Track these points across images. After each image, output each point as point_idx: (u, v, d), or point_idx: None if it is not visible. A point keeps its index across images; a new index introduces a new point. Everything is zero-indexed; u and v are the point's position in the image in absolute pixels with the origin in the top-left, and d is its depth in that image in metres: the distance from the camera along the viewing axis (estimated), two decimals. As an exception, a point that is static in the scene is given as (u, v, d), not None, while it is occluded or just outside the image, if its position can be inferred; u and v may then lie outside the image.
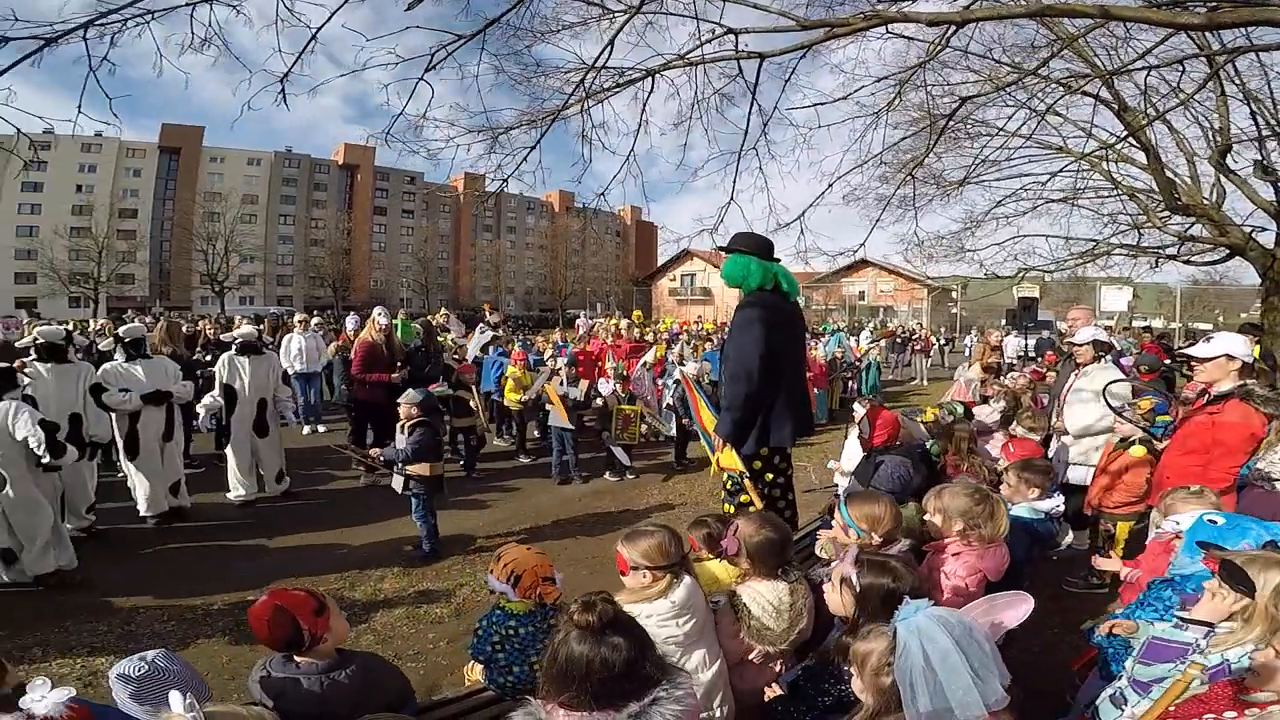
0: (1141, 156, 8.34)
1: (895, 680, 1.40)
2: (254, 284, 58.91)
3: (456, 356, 7.19)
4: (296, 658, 2.08)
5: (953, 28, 4.68)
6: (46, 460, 4.13)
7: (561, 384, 7.33)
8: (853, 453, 4.30)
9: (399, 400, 5.11)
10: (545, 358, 8.15)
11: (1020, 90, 6.73)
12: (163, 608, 4.17)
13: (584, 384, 7.48)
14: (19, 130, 3.02)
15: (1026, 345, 12.56)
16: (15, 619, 3.96)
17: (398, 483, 4.99)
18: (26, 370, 4.88)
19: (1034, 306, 12.69)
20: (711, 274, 50.84)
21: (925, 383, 17.24)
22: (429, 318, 8.68)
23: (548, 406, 7.27)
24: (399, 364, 7.09)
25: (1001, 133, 7.84)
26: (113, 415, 5.36)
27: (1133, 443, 3.95)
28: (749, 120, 5.46)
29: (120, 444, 5.47)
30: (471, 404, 7.41)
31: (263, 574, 4.67)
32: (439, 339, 9.28)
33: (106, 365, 5.38)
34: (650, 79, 5.25)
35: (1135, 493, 3.98)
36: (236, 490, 6.18)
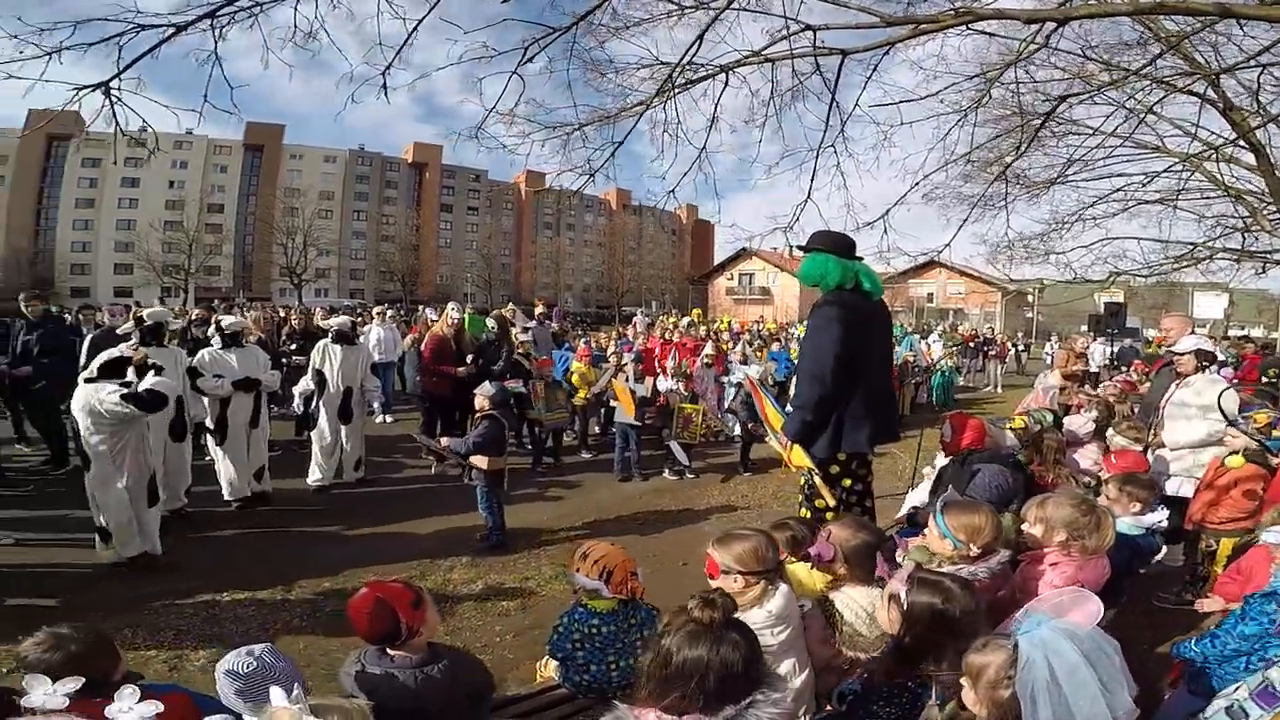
0: (1250, 157, 7.73)
1: (1014, 694, 1.35)
2: (329, 277, 61.73)
3: (522, 351, 7.31)
4: (390, 651, 2.08)
5: (1047, 26, 4.46)
6: (129, 410, 4.22)
7: (628, 379, 7.36)
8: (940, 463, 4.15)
9: (474, 392, 5.22)
10: (608, 354, 8.20)
11: (1113, 89, 6.35)
12: (244, 593, 4.31)
13: (649, 380, 7.49)
14: (145, 123, 3.22)
15: (1112, 353, 11.85)
16: (110, 599, 4.15)
17: (469, 471, 5.11)
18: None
19: (1121, 312, 11.96)
20: (771, 273, 50.04)
21: (999, 390, 16.49)
22: (502, 312, 8.86)
23: (612, 403, 7.31)
24: (470, 358, 7.26)
25: (1098, 133, 7.40)
26: (205, 400, 5.68)
27: (1237, 454, 3.68)
28: (828, 117, 5.36)
29: (210, 428, 5.77)
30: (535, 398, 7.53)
31: (339, 561, 4.83)
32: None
33: (203, 351, 5.71)
34: (724, 75, 5.22)
35: (1243, 509, 3.71)
36: (315, 475, 6.45)
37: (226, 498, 5.80)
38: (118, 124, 3.16)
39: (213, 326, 6.05)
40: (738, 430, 7.97)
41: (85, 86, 3.06)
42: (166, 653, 3.57)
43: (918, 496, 4.48)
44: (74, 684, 1.43)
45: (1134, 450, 4.10)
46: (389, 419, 9.43)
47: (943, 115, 5.97)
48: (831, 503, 3.29)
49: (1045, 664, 1.32)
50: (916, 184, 6.03)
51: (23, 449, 7.37)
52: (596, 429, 8.97)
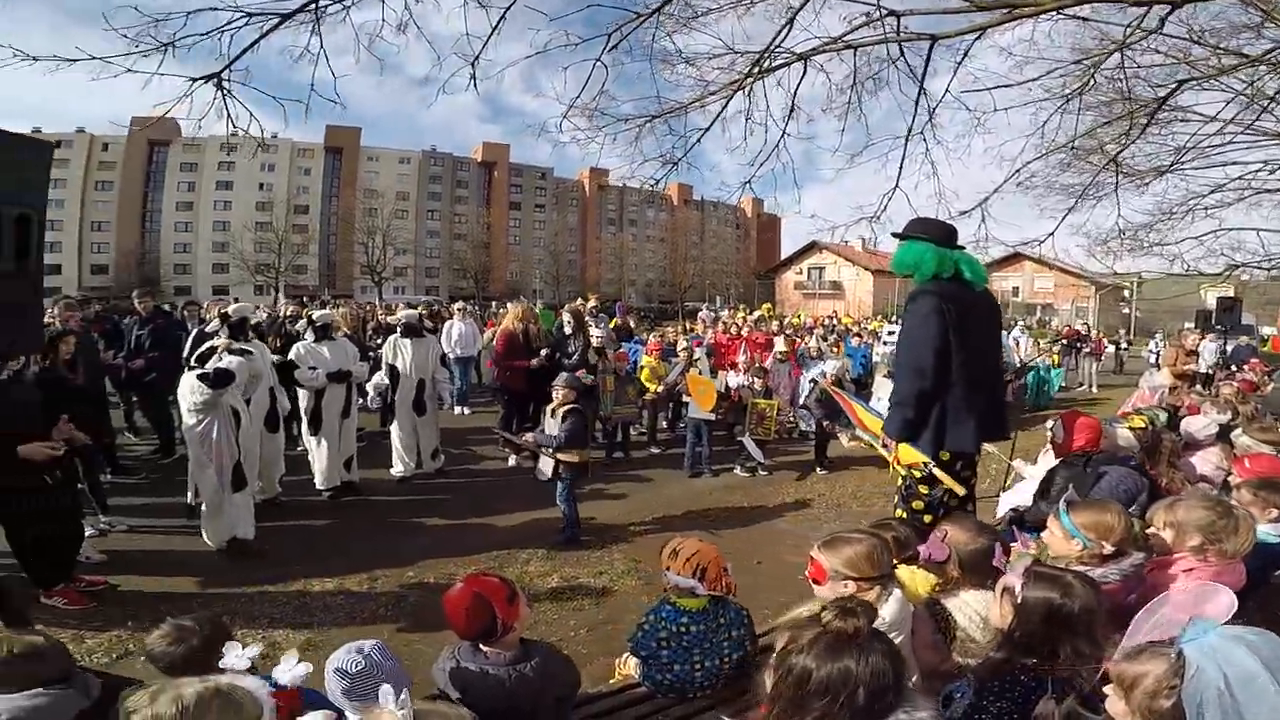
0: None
1: (1176, 705, 1.25)
2: (406, 275, 64.16)
3: (597, 346, 7.36)
4: (484, 647, 2.06)
5: (1156, 9, 4.13)
6: (203, 390, 4.47)
7: (700, 374, 7.30)
8: (1043, 465, 3.90)
9: (553, 384, 5.27)
10: (679, 349, 8.15)
11: (1228, 75, 5.82)
12: (333, 581, 4.47)
13: (720, 375, 7.40)
14: (251, 114, 3.38)
15: (1225, 351, 10.87)
16: (209, 586, 4.39)
17: (547, 466, 5.12)
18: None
19: (1236, 308, 10.94)
20: (843, 267, 48.66)
21: (1094, 389, 15.44)
22: (578, 306, 8.98)
23: (685, 398, 7.27)
24: (542, 352, 7.37)
25: (1215, 120, 6.79)
26: (299, 391, 5.98)
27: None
28: (916, 103, 5.16)
29: (305, 419, 6.08)
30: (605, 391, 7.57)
31: (420, 552, 4.97)
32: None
33: (298, 345, 6.01)
34: (802, 63, 5.09)
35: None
36: (397, 466, 6.68)
37: (318, 486, 6.07)
38: (229, 115, 3.34)
39: (304, 321, 6.34)
40: (812, 427, 7.77)
41: (199, 78, 3.24)
42: (261, 640, 3.65)
43: (1015, 499, 4.24)
44: (255, 650, 1.63)
45: (1268, 453, 3.73)
46: (466, 411, 9.70)
47: (1041, 101, 5.67)
48: (960, 491, 3.15)
49: (1219, 673, 1.22)
50: (1017, 170, 5.74)
51: (131, 438, 7.86)
52: (664, 424, 8.97)
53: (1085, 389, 15.64)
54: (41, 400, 4.16)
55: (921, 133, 5.25)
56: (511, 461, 7.25)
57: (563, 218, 75.42)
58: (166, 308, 8.90)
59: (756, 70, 4.77)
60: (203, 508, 4.75)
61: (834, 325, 14.86)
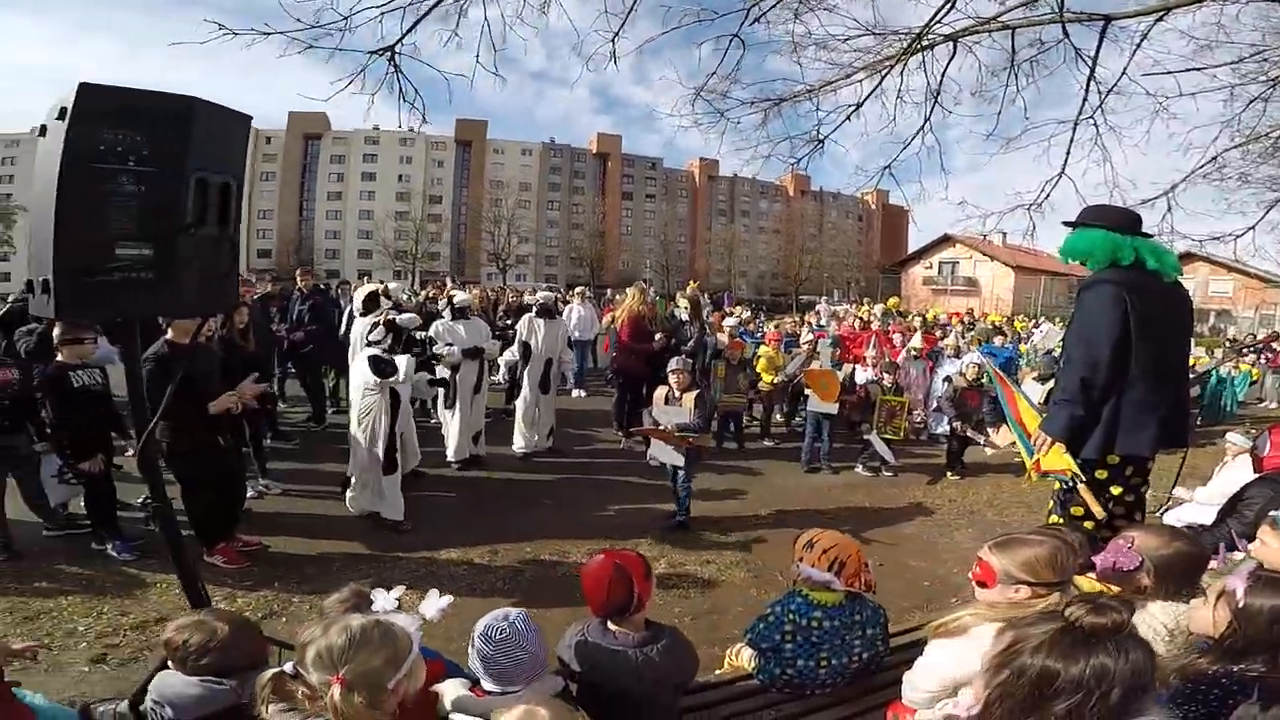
0: None
1: None
2: (528, 263, 67.19)
3: (712, 334, 7.30)
4: (612, 625, 2.06)
5: None
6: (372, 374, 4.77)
7: (823, 367, 7.01)
8: (1226, 481, 3.41)
9: (668, 368, 5.25)
10: (801, 340, 7.88)
11: None
12: (458, 551, 4.66)
13: (847, 368, 7.06)
14: (417, 93, 3.57)
15: None
16: (347, 549, 4.66)
17: (662, 452, 5.09)
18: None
19: None
20: (979, 262, 45.15)
21: (1276, 404, 13.36)
22: (695, 292, 8.95)
23: (807, 390, 7.01)
24: (657, 336, 7.37)
25: None
26: (435, 367, 6.33)
27: None
28: (1086, 87, 4.69)
29: (440, 393, 6.42)
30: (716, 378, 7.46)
31: (536, 529, 5.10)
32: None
33: (437, 322, 6.39)
34: (951, 44, 4.72)
35: None
36: (518, 443, 6.95)
37: (449, 459, 6.42)
38: (401, 89, 3.56)
39: (444, 301, 6.74)
40: (944, 428, 7.25)
41: (374, 51, 3.47)
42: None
43: (1189, 514, 3.76)
44: (399, 590, 1.74)
45: None
46: (582, 393, 9.95)
47: (1236, 85, 4.94)
48: (1099, 513, 2.82)
49: None
50: (1213, 159, 5.04)
51: (282, 406, 8.39)
52: (779, 417, 8.73)
53: (1267, 404, 13.51)
54: (223, 366, 4.69)
55: (1091, 117, 4.79)
56: (623, 444, 7.33)
57: (672, 208, 75.85)
58: (323, 286, 9.71)
59: (906, 52, 4.47)
60: (353, 479, 5.10)
61: (972, 323, 13.71)
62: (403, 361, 4.88)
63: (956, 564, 4.65)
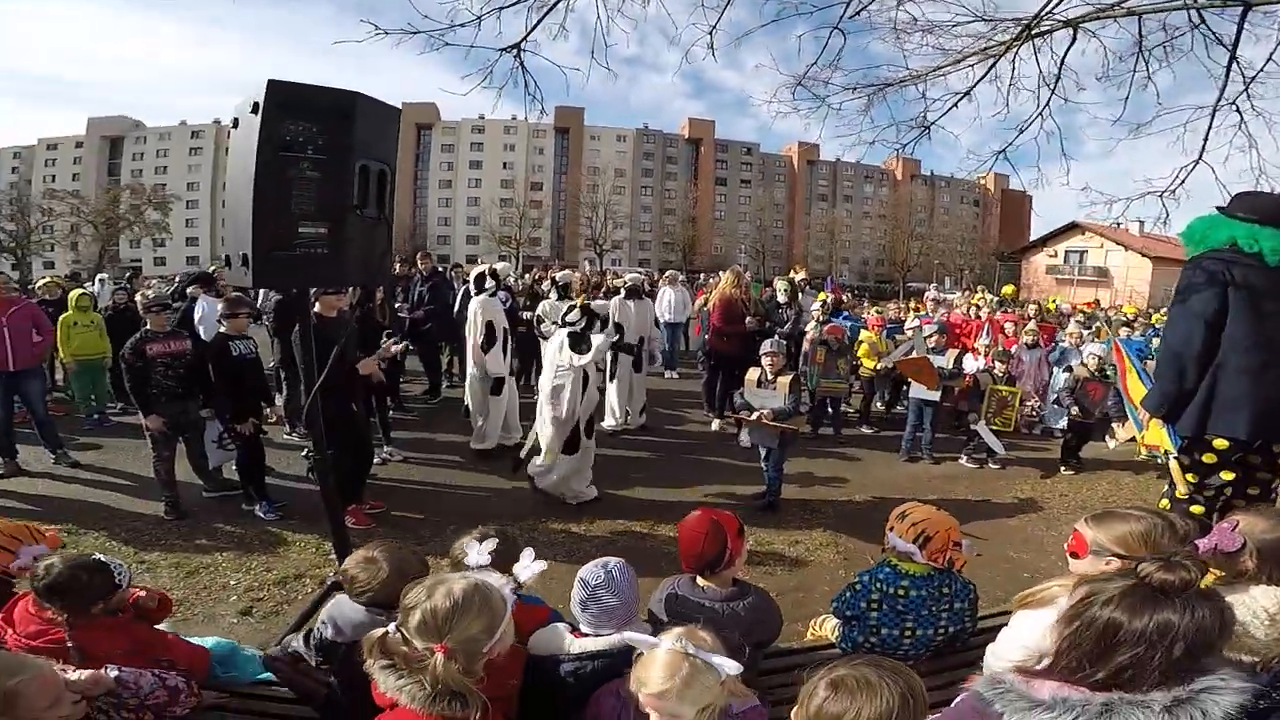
0: None
1: None
2: (623, 248, 68.24)
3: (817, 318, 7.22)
4: (701, 581, 2.18)
5: None
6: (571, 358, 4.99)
7: (927, 352, 6.76)
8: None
9: (761, 351, 5.27)
10: (906, 326, 7.63)
11: None
12: (560, 523, 4.90)
13: (952, 354, 6.77)
14: (536, 85, 3.83)
15: None
16: (456, 515, 4.90)
17: (754, 434, 5.14)
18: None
19: None
20: (1110, 251, 41.21)
21: None
22: (791, 275, 8.88)
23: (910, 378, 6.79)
24: (748, 320, 7.36)
25: None
26: (542, 343, 6.65)
27: None
28: (1227, 72, 4.35)
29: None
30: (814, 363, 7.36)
31: (631, 503, 5.31)
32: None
33: (543, 301, 6.73)
34: (1070, 30, 4.44)
35: None
36: (609, 420, 7.18)
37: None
38: (526, 83, 3.82)
39: (548, 282, 7.10)
40: (1063, 423, 6.81)
41: (503, 49, 3.75)
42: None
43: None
44: (492, 544, 1.85)
45: None
46: (674, 375, 10.11)
47: None
48: (1182, 491, 2.90)
49: None
50: None
51: (402, 380, 8.85)
52: (880, 405, 8.51)
53: None
54: (359, 336, 5.20)
55: (1234, 103, 4.42)
56: (715, 426, 7.42)
57: (769, 193, 74.46)
58: (440, 269, 10.35)
59: (1019, 38, 4.27)
60: (535, 460, 5.27)
61: (1099, 315, 12.60)
62: (597, 339, 5.08)
63: (1061, 557, 4.42)
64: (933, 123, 4.73)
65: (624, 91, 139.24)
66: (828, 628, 2.87)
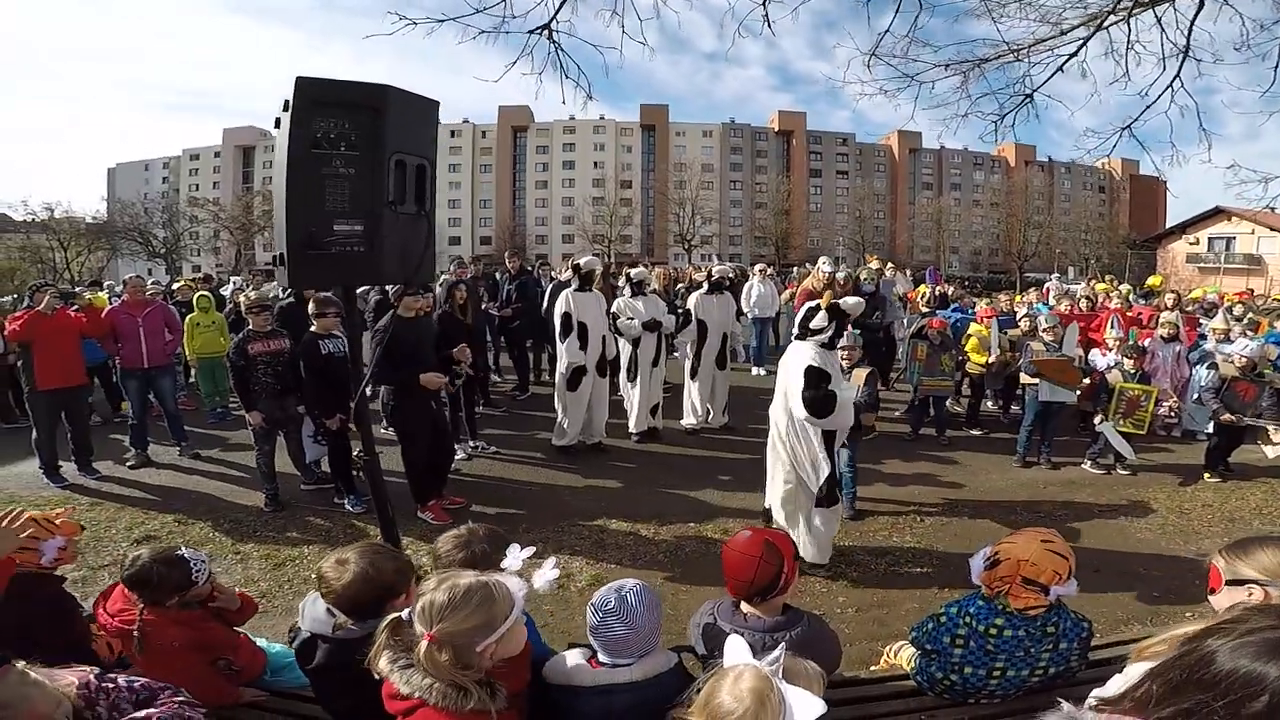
0: None
1: None
2: (713, 243, 67.64)
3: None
4: (745, 608, 1.97)
5: None
6: None
7: (1045, 347, 6.07)
8: None
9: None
10: (1018, 318, 6.91)
11: None
12: (627, 524, 4.79)
13: (1075, 349, 6.04)
14: (579, 68, 3.74)
15: None
16: (535, 511, 4.99)
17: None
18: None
19: None
20: (1262, 238, 36.21)
21: None
22: (881, 267, 8.35)
23: (1026, 379, 6.11)
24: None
25: None
26: (619, 341, 6.55)
27: None
28: None
29: (623, 367, 6.64)
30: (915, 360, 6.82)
31: (703, 505, 5.12)
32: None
33: (619, 299, 6.63)
34: None
35: None
36: (689, 419, 6.99)
37: (631, 430, 6.66)
38: (562, 65, 3.74)
39: (623, 279, 6.97)
40: (1203, 426, 5.92)
41: (533, 30, 3.68)
42: (561, 568, 4.01)
43: None
44: (529, 551, 1.73)
45: None
46: (762, 371, 9.72)
47: None
48: None
49: None
50: None
51: (494, 379, 9.17)
52: (993, 405, 7.78)
53: None
54: (441, 336, 5.28)
55: None
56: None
57: (868, 183, 71.70)
58: (529, 267, 10.53)
59: (1136, 4, 3.74)
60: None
61: (1252, 305, 10.94)
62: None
63: (1201, 576, 3.81)
64: (1036, 89, 4.24)
65: (708, 87, 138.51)
66: (904, 656, 2.56)
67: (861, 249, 60.09)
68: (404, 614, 1.48)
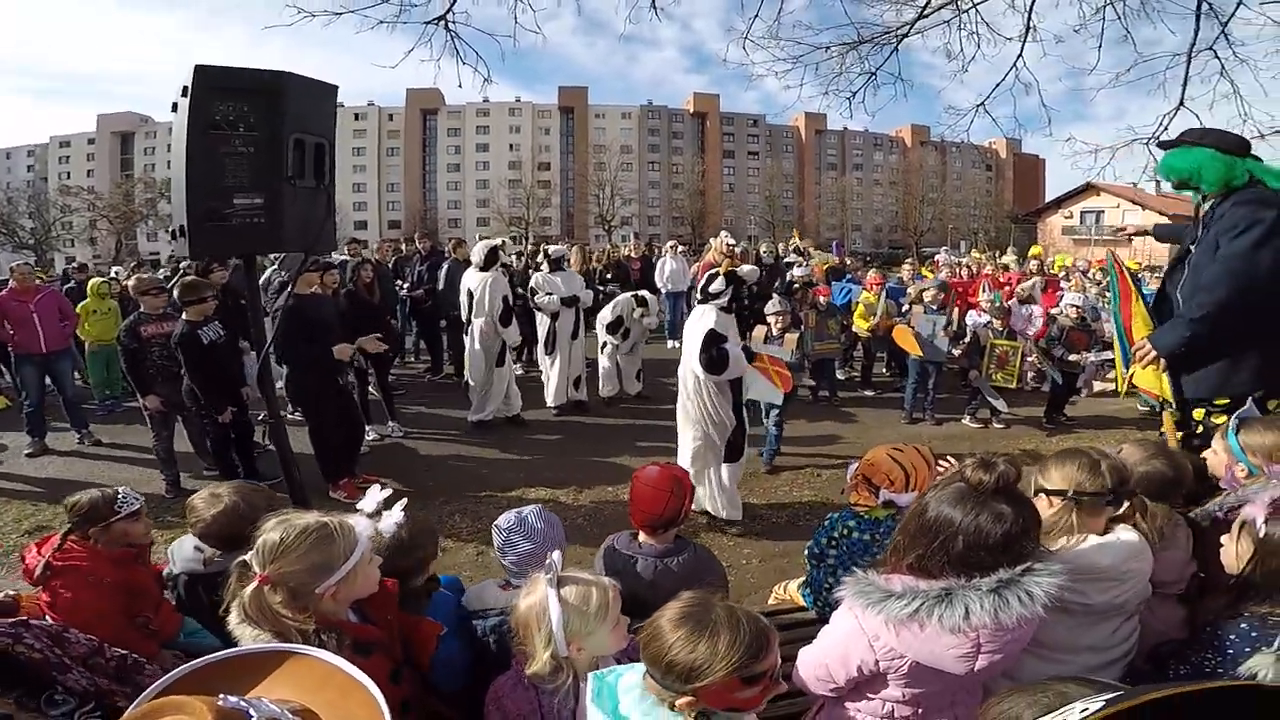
0: None
1: None
2: (632, 223, 67.88)
3: (800, 282, 7.20)
4: (641, 537, 2.15)
5: None
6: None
7: (924, 311, 6.65)
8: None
9: (767, 310, 5.29)
10: (906, 288, 7.54)
11: None
12: (547, 491, 4.91)
13: (955, 312, 6.67)
14: (478, 55, 3.82)
15: None
16: (448, 486, 5.00)
17: (761, 390, 4.96)
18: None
19: None
20: (1127, 211, 40.27)
21: None
22: (804, 243, 8.85)
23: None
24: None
25: None
26: (538, 316, 6.67)
27: None
28: (1197, 17, 4.40)
29: (540, 341, 6.76)
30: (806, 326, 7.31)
31: (624, 470, 5.21)
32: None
33: (536, 275, 6.72)
34: None
35: None
36: (605, 388, 7.20)
37: (549, 404, 6.78)
38: (459, 52, 3.82)
39: (541, 255, 7.06)
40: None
41: (430, 21, 3.74)
42: (477, 544, 4.05)
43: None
44: (387, 493, 1.78)
45: None
46: (676, 344, 10.03)
47: None
48: (1175, 444, 2.60)
49: None
50: None
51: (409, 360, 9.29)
52: (883, 369, 8.42)
53: None
54: (350, 314, 5.22)
55: (1211, 49, 4.43)
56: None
57: (777, 164, 73.72)
58: (439, 248, 10.29)
59: None
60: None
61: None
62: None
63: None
64: (877, 69, 4.77)
65: (625, 68, 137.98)
66: (792, 589, 2.81)
67: (773, 228, 62.05)
68: (247, 557, 1.40)
